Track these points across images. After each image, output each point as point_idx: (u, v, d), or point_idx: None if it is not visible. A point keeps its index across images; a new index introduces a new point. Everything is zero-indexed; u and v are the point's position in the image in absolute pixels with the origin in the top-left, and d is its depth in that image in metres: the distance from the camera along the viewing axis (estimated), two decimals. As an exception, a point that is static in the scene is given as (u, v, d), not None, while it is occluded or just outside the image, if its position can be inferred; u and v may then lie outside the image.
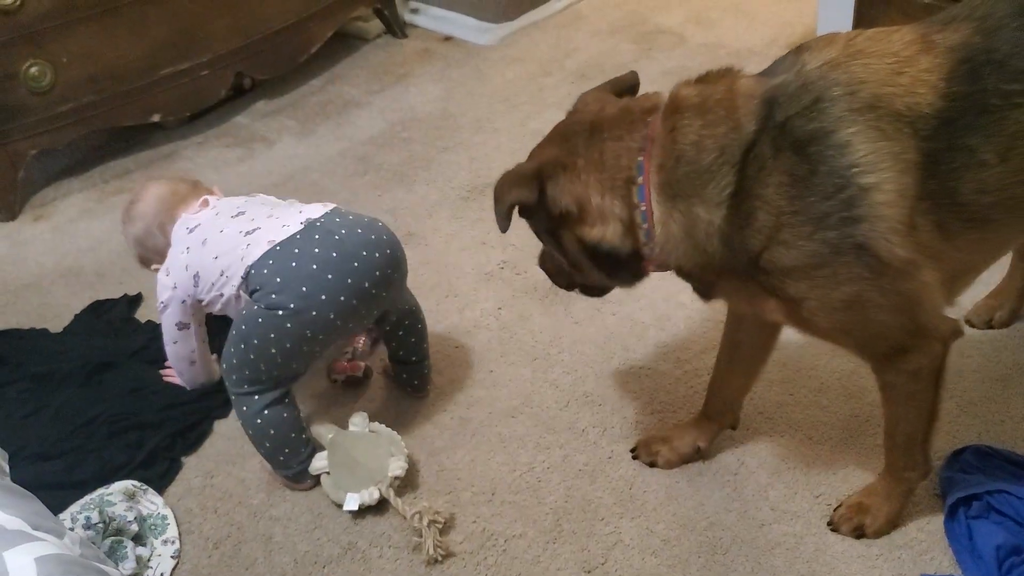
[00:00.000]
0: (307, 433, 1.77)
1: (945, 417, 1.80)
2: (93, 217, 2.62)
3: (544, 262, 1.67)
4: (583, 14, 3.52)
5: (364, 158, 2.77)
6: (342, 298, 1.67)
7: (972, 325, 2.00)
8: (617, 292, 2.15)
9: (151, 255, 1.95)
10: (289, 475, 1.75)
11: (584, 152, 1.42)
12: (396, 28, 3.41)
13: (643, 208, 1.39)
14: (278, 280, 1.66)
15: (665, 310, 2.12)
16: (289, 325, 1.65)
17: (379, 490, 1.68)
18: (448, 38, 3.42)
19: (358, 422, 1.78)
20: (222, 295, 1.77)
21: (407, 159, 2.75)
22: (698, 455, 1.76)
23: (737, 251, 1.36)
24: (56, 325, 2.21)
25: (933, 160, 1.31)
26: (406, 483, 1.74)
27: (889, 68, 1.31)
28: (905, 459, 1.57)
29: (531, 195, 1.43)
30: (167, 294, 1.84)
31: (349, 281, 1.67)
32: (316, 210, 1.76)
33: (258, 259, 1.68)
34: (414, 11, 3.53)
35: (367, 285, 1.69)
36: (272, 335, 1.66)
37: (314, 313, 1.65)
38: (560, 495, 1.73)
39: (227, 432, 1.91)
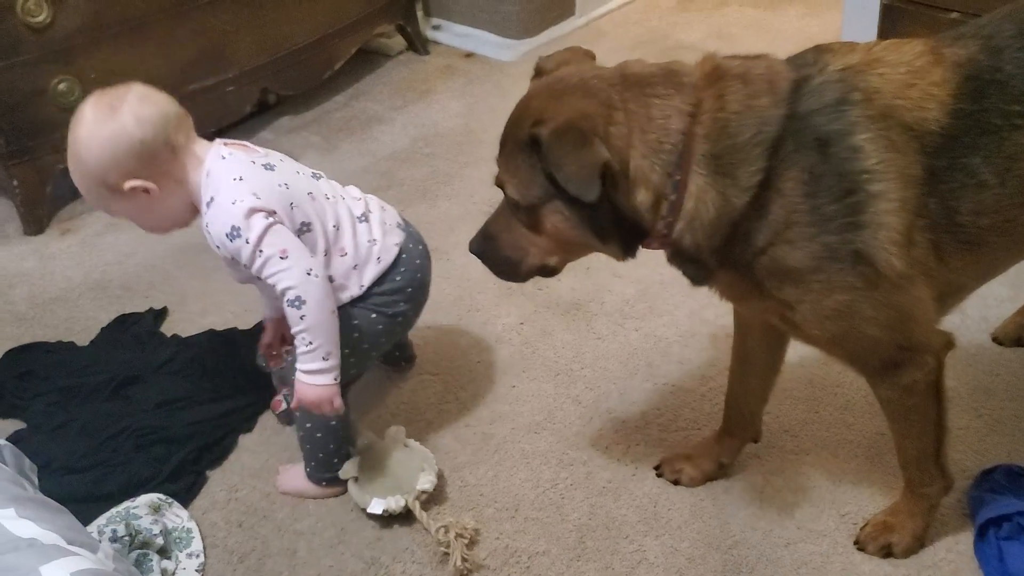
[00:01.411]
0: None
1: (974, 436, 1.79)
2: (119, 231, 2.64)
3: (487, 248, 1.48)
4: (604, 30, 3.53)
5: (387, 173, 2.79)
6: (421, 298, 1.81)
7: (1000, 343, 1.99)
8: (640, 308, 2.17)
9: (130, 170, 1.53)
10: (328, 477, 1.76)
11: (623, 107, 1.30)
12: (418, 45, 3.43)
13: (677, 178, 1.30)
14: (409, 290, 1.74)
15: (689, 326, 2.12)
16: (398, 328, 1.79)
17: (406, 499, 1.68)
18: (470, 54, 3.44)
19: (394, 434, 1.79)
20: (318, 246, 1.61)
21: (429, 175, 2.76)
22: (722, 471, 1.76)
23: (741, 242, 1.33)
24: (83, 338, 2.22)
25: (935, 177, 1.31)
26: (431, 499, 1.74)
27: (902, 79, 1.31)
28: (920, 475, 1.56)
29: (604, 152, 1.27)
30: (267, 217, 1.51)
31: (427, 283, 1.82)
32: (393, 211, 1.80)
33: (393, 264, 1.72)
34: (436, 28, 3.55)
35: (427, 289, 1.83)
36: (383, 338, 1.76)
37: (411, 314, 1.79)
38: (584, 512, 1.73)
39: (252, 446, 1.92)
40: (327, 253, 1.64)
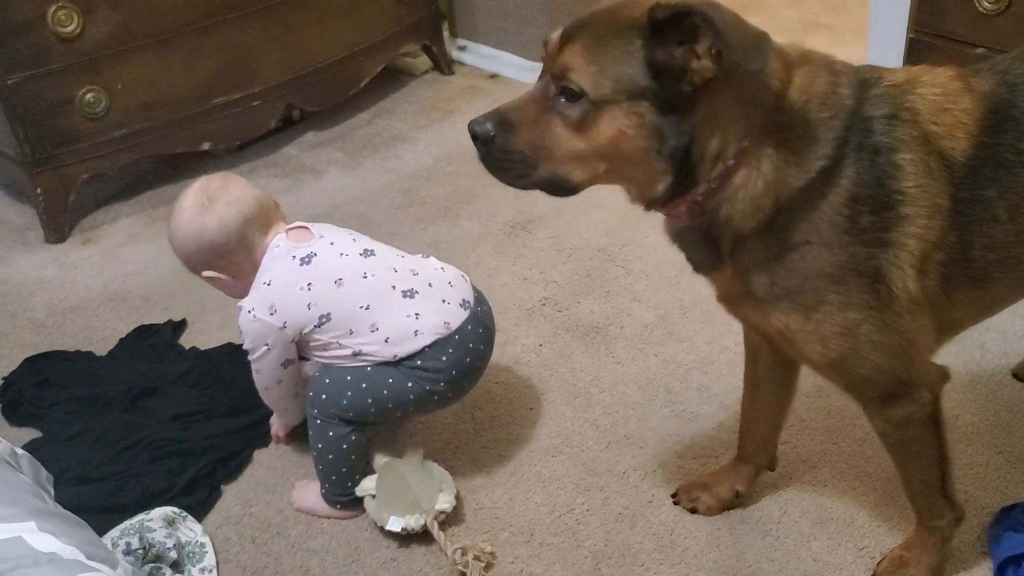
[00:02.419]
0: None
1: (994, 472, 1.77)
2: (140, 242, 2.65)
3: (498, 136, 1.30)
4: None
5: (409, 191, 2.79)
6: (467, 384, 1.78)
7: (1020, 379, 1.97)
8: (659, 333, 2.16)
9: (208, 261, 1.76)
10: (345, 500, 1.76)
11: None
12: (444, 65, 3.44)
13: (744, 143, 1.24)
14: (453, 372, 1.71)
15: (708, 353, 2.11)
16: (431, 405, 1.75)
17: (424, 519, 1.67)
18: (494, 76, 3.45)
19: (412, 454, 1.78)
20: (352, 348, 1.69)
21: (451, 194, 2.76)
22: (738, 500, 1.74)
23: (772, 234, 1.29)
24: (101, 348, 2.23)
25: (958, 209, 1.30)
26: (448, 520, 1.73)
27: (938, 102, 1.30)
28: (928, 508, 1.54)
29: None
30: (271, 337, 1.69)
31: (479, 369, 1.78)
32: (466, 290, 1.78)
33: (432, 344, 1.68)
34: (461, 48, 3.57)
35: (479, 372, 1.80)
36: (411, 408, 1.74)
37: (450, 395, 1.75)
38: (600, 538, 1.71)
39: (267, 462, 1.92)
40: (352, 333, 1.68)
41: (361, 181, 2.84)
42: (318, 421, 1.71)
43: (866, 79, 1.30)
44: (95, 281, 2.50)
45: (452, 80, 3.44)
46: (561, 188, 1.31)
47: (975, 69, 1.37)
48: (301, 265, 1.70)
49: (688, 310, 2.23)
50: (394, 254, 1.78)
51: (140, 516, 1.73)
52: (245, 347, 1.75)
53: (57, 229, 2.67)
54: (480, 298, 1.81)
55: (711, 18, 1.13)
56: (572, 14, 1.27)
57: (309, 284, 1.68)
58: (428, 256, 1.83)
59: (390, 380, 1.69)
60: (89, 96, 2.56)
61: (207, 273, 1.78)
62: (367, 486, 1.73)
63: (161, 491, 1.80)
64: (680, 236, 1.38)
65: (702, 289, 2.27)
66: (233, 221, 1.72)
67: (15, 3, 2.39)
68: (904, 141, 1.27)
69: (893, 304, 1.31)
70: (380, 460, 1.78)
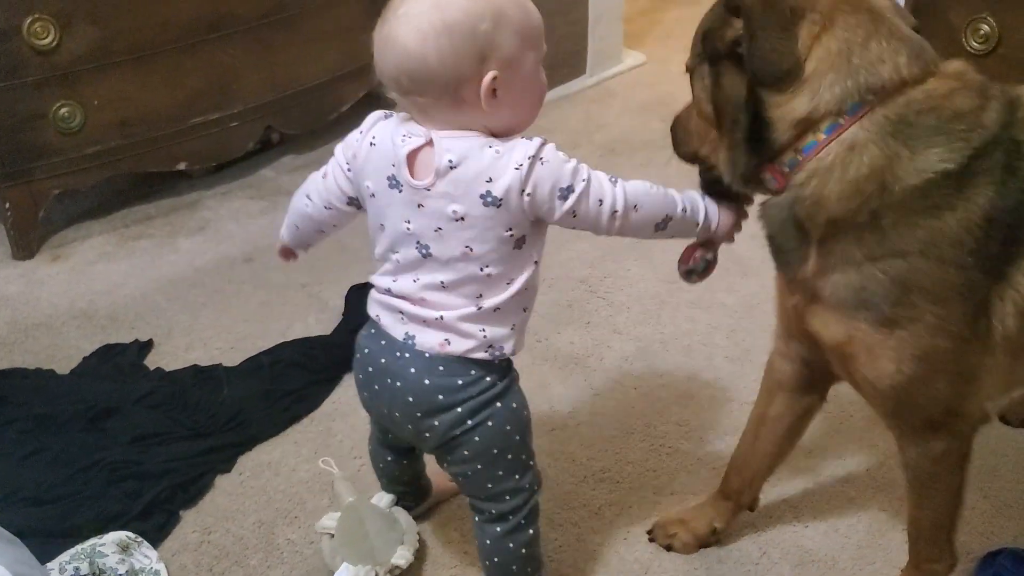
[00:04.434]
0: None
1: (980, 517, 1.73)
2: (111, 260, 2.59)
3: (678, 117, 1.48)
4: (614, 91, 3.53)
5: (388, 218, 2.74)
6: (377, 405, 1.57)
7: (1007, 423, 1.93)
8: (639, 366, 2.11)
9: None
10: None
11: (849, 18, 1.22)
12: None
13: (840, 121, 1.21)
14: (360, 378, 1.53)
15: (688, 388, 2.06)
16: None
17: (377, 571, 1.59)
18: (479, 106, 3.42)
19: (383, 500, 1.69)
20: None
21: (431, 221, 2.71)
22: (715, 537, 1.68)
23: (879, 231, 1.21)
24: (64, 367, 2.16)
25: None
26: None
27: None
28: (930, 549, 1.48)
29: (798, 50, 1.23)
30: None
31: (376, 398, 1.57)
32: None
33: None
34: (446, 77, 3.54)
35: None
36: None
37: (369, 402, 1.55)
38: None
39: (228, 488, 1.84)
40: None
41: (339, 206, 2.80)
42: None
43: (1012, 98, 1.24)
44: (62, 299, 2.44)
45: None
46: (692, 158, 1.45)
47: None
48: None
49: (669, 344, 2.19)
50: None
51: (92, 540, 1.66)
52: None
53: (25, 245, 2.60)
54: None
55: (746, 19, 1.21)
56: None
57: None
58: None
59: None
60: (64, 111, 2.51)
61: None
62: (327, 524, 1.65)
63: (116, 515, 1.73)
64: (767, 213, 1.32)
65: (683, 323, 2.25)
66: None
67: (-10, 13, 2.34)
68: None
69: (986, 339, 1.24)
70: (346, 499, 1.69)
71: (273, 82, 2.88)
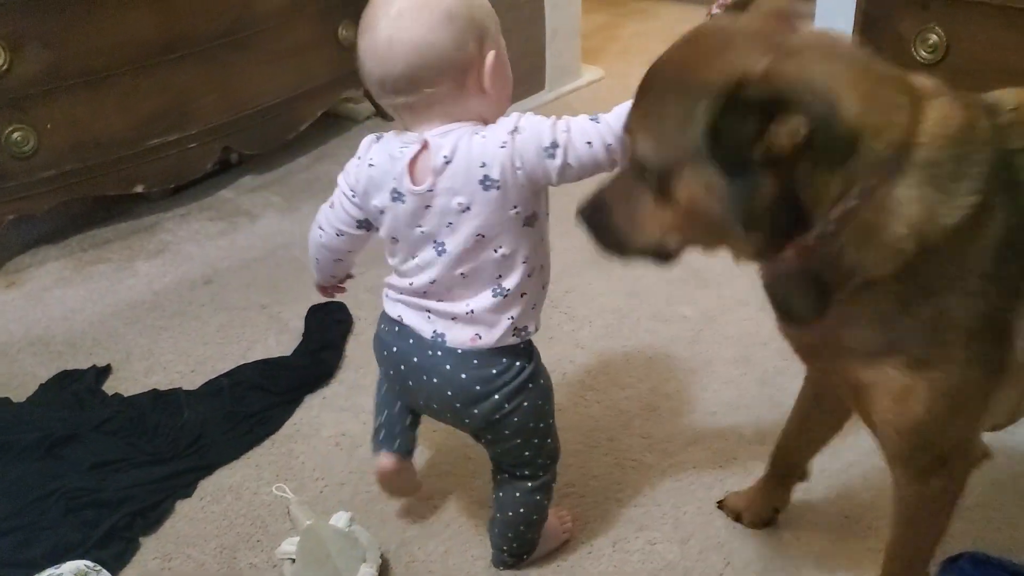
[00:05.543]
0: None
1: (939, 521, 1.74)
2: (68, 285, 2.55)
3: (595, 215, 1.29)
4: (573, 106, 3.54)
5: (348, 237, 2.73)
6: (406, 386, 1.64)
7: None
8: (602, 380, 2.11)
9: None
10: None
11: (870, 78, 1.11)
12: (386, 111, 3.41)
13: (873, 183, 1.09)
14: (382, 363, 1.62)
15: (651, 400, 2.06)
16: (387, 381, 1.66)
17: None
18: (438, 122, 3.42)
19: (339, 518, 1.68)
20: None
21: (392, 239, 2.71)
22: (776, 516, 1.74)
23: (909, 280, 1.14)
24: (20, 395, 2.12)
25: None
26: None
27: None
28: (905, 572, 1.48)
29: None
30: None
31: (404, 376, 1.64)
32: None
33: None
34: (406, 95, 3.54)
35: None
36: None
37: (398, 389, 1.64)
38: (537, 591, 1.65)
39: (189, 513, 1.82)
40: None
41: (299, 225, 2.78)
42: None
43: (990, 105, 1.19)
44: (17, 325, 2.40)
45: (394, 126, 3.39)
46: (662, 256, 1.26)
47: None
48: None
49: (631, 357, 2.19)
50: None
51: (49, 571, 1.62)
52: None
53: (-21, 272, 2.57)
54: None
55: (818, 112, 1.04)
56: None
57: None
58: None
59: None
60: (16, 135, 2.48)
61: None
62: (287, 549, 1.63)
63: (74, 544, 1.70)
64: (778, 282, 1.23)
65: (645, 336, 2.26)
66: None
67: (-63, 37, 2.31)
68: None
69: (1001, 368, 1.20)
70: (304, 522, 1.67)
71: (230, 103, 2.87)
